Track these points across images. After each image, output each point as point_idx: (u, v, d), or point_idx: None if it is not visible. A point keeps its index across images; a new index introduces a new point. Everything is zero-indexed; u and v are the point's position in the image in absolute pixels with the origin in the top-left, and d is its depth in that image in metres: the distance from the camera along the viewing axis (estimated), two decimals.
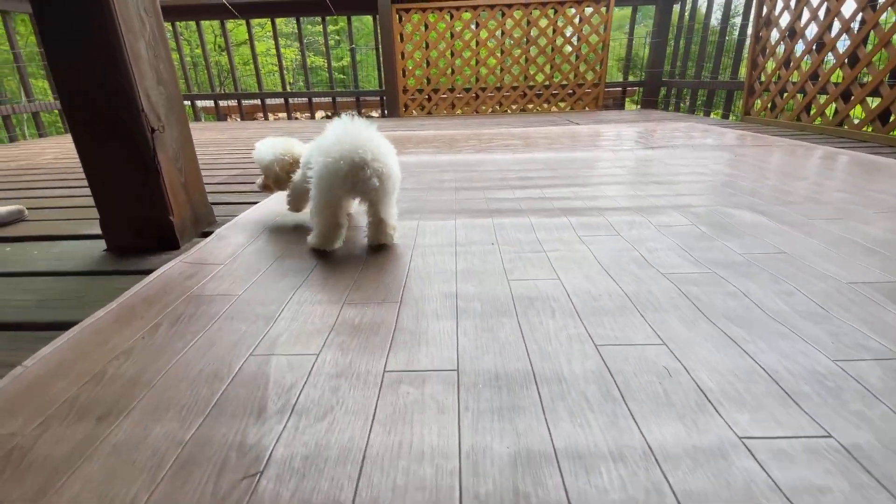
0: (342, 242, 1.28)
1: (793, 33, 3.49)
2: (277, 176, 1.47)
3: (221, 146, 3.49)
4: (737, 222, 1.38)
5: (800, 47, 3.49)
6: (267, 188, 1.53)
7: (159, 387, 0.73)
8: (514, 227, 1.40)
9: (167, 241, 1.33)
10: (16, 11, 4.53)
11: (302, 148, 1.50)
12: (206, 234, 1.46)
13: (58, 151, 3.44)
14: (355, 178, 1.11)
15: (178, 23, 5.62)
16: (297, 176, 1.42)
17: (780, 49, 3.64)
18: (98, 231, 1.51)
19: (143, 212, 1.31)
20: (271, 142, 1.51)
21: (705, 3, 4.84)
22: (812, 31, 3.30)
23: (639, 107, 6.03)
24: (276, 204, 1.72)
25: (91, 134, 1.23)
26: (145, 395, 0.71)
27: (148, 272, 1.17)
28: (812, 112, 3.41)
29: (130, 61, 1.17)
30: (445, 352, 0.79)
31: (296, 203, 1.48)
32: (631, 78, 6.05)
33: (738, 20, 4.39)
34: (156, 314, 0.96)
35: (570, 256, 1.18)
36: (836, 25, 3.09)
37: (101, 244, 1.40)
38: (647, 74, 5.80)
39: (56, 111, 4.95)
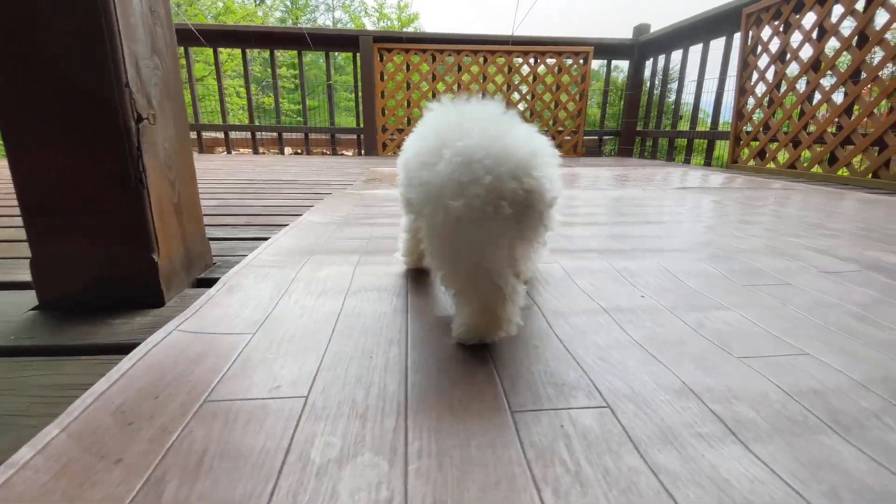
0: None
1: (780, 85, 3.60)
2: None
3: None
4: None
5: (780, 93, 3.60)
6: None
7: None
8: (648, 272, 1.05)
9: (146, 294, 0.85)
10: None
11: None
12: (202, 283, 0.98)
13: None
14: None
15: None
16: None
17: (767, 101, 3.74)
18: (20, 277, 0.99)
19: (110, 247, 0.82)
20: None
21: (679, 58, 5.04)
22: (803, 82, 3.41)
23: (612, 155, 6.12)
24: (301, 239, 1.26)
25: (29, 120, 0.76)
26: None
27: (120, 351, 0.69)
28: (809, 159, 3.45)
29: (115, 4, 0.73)
30: None
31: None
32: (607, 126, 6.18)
33: (714, 73, 4.56)
34: (150, 450, 0.48)
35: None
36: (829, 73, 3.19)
37: (28, 298, 0.88)
38: (622, 124, 5.95)
39: None
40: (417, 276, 1.00)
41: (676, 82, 5.13)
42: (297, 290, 0.91)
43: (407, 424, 0.51)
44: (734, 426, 0.52)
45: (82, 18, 0.73)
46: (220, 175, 3.01)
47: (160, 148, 0.87)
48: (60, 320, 0.80)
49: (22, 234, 0.83)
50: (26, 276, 0.84)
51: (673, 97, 5.26)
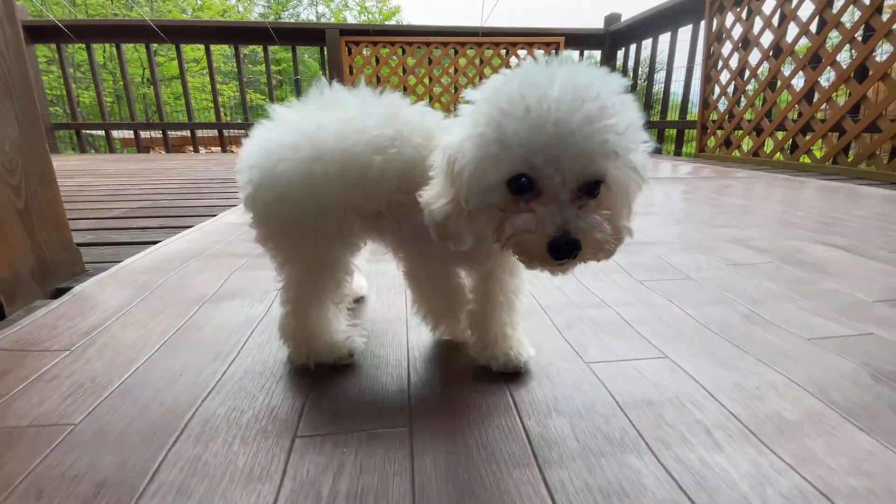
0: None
1: (743, 73, 3.56)
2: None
3: (132, 176, 2.86)
4: None
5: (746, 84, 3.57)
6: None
7: None
8: None
9: None
10: None
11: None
12: (61, 292, 0.91)
13: None
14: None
15: (94, 46, 4.93)
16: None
17: (731, 89, 3.71)
18: None
19: None
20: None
21: (649, 48, 5.00)
22: (765, 68, 3.37)
23: None
24: (198, 241, 1.19)
25: None
26: None
27: None
28: (769, 148, 3.42)
29: None
30: None
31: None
32: None
33: (683, 63, 4.52)
34: None
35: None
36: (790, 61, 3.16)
37: None
38: None
39: None
40: None
41: (647, 71, 5.09)
42: (151, 299, 0.84)
43: (166, 456, 0.46)
44: (539, 446, 0.47)
45: None
46: (170, 175, 2.92)
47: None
48: None
49: None
50: None
51: (645, 88, 5.21)
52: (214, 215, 1.58)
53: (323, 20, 20.99)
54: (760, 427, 0.51)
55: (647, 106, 5.07)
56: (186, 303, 0.83)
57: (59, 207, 0.96)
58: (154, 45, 4.98)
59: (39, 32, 4.58)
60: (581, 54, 5.81)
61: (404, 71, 5.26)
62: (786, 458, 0.47)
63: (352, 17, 20.33)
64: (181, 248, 1.15)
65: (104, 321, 0.75)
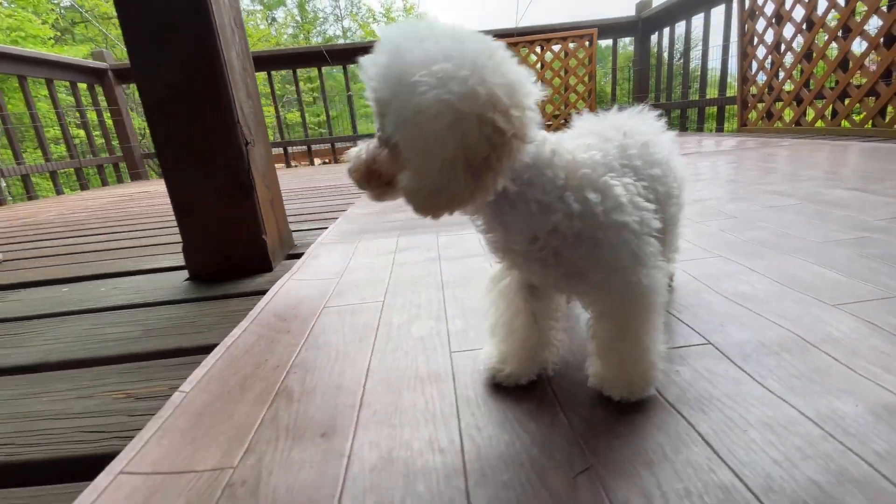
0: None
1: (779, 47, 3.72)
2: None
3: None
4: None
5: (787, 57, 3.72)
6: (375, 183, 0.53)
7: (374, 393, 0.62)
8: None
9: (260, 264, 1.23)
10: None
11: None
12: (291, 257, 1.36)
13: (62, 208, 3.28)
14: None
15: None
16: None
17: (769, 62, 3.86)
18: (166, 264, 1.40)
19: (235, 233, 1.21)
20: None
21: (682, 29, 5.16)
22: (799, 41, 3.53)
23: None
24: (353, 224, 1.63)
25: (179, 149, 1.15)
26: (361, 412, 0.60)
27: (257, 294, 1.06)
28: (811, 116, 3.57)
29: (227, 68, 1.11)
30: None
31: None
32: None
33: (718, 42, 4.67)
34: (303, 326, 0.84)
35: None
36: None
37: (175, 276, 1.27)
38: (634, 101, 6.08)
39: (47, 173, 4.75)
40: (447, 240, 1.34)
41: (682, 53, 5.25)
42: (360, 253, 1.27)
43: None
44: None
45: (213, 72, 1.10)
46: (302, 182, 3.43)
47: (258, 163, 1.25)
48: (207, 284, 1.19)
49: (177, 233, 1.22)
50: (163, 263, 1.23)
51: (681, 69, 5.37)
52: (345, 210, 2.03)
53: (349, 34, 21.92)
54: (774, 273, 0.86)
55: (685, 85, 5.22)
56: (384, 254, 1.25)
57: (282, 199, 1.41)
58: None
59: (123, 75, 5.26)
60: (615, 43, 6.03)
61: None
62: (775, 278, 0.82)
63: (379, 30, 20.96)
64: (347, 229, 1.59)
65: (343, 265, 1.18)
